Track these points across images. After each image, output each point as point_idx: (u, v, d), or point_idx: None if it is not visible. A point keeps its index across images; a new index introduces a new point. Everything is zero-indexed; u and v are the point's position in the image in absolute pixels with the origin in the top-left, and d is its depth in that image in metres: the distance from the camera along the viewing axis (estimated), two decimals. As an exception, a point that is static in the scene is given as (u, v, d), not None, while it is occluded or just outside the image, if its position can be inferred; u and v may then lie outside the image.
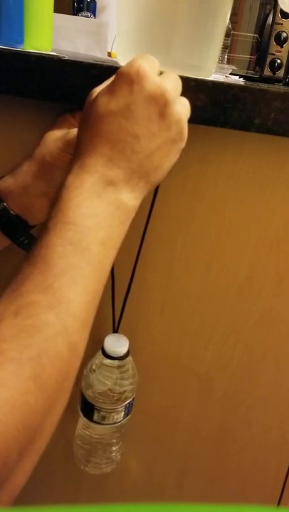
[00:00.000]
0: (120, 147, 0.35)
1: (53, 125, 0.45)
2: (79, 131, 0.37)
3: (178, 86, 0.37)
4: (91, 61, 0.42)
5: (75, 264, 0.32)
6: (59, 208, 0.34)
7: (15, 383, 0.26)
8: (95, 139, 0.35)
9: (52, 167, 0.43)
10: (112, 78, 0.36)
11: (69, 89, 0.41)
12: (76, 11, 0.83)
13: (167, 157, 0.37)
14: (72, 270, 0.32)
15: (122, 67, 0.35)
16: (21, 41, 0.46)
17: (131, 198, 0.36)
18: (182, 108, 0.37)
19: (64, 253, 0.32)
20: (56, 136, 0.43)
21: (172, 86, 0.36)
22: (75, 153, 0.37)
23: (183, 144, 0.38)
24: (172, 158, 0.38)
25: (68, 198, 0.34)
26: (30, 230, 0.46)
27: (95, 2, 0.84)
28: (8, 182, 0.44)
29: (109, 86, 0.35)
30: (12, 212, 0.44)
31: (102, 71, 0.41)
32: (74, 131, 0.42)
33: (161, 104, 0.35)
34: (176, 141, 0.37)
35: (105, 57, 0.59)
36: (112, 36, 0.61)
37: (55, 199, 0.35)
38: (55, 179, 0.43)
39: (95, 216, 0.34)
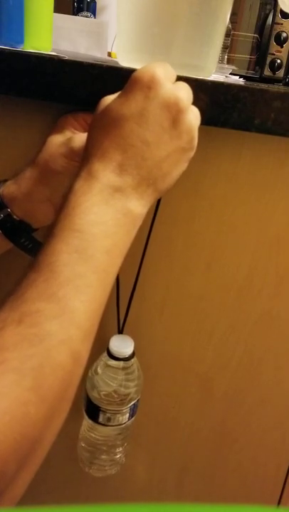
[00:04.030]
0: (130, 153, 0.34)
1: (54, 128, 0.44)
2: (89, 134, 0.37)
3: (190, 95, 0.37)
4: (91, 61, 0.42)
5: (80, 273, 0.31)
6: (66, 214, 0.33)
7: (15, 393, 0.26)
8: (106, 143, 0.35)
9: (55, 173, 0.43)
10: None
11: (69, 89, 0.41)
12: (76, 11, 0.83)
13: (176, 165, 0.37)
14: (77, 279, 0.31)
15: (136, 71, 0.35)
16: (21, 41, 0.46)
17: (138, 206, 0.36)
18: (194, 117, 0.36)
19: (69, 261, 0.31)
20: (59, 142, 0.43)
21: (185, 95, 0.36)
22: (84, 157, 0.36)
23: (192, 153, 0.38)
24: (181, 166, 0.38)
25: (76, 204, 0.33)
26: (33, 233, 0.46)
27: (95, 2, 0.84)
28: (12, 188, 0.44)
29: (122, 90, 0.35)
30: (15, 217, 0.44)
31: (102, 71, 0.41)
32: (77, 137, 0.42)
33: (174, 112, 0.35)
34: (186, 149, 0.37)
35: (105, 57, 0.59)
36: (112, 36, 0.61)
37: (61, 203, 0.34)
38: (59, 185, 0.43)
39: (102, 223, 0.33)
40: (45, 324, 0.29)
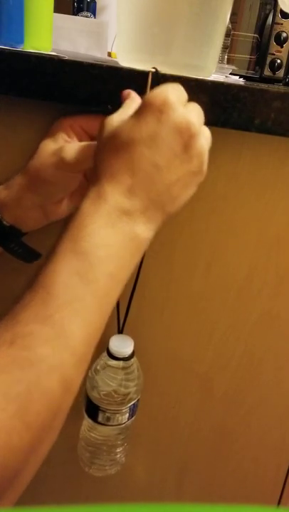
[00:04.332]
0: (140, 177, 0.34)
1: (48, 133, 0.44)
2: (98, 156, 0.36)
3: (201, 117, 0.37)
4: (91, 61, 0.42)
5: (79, 296, 0.31)
6: (71, 235, 0.32)
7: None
8: (116, 165, 0.34)
9: (45, 182, 0.42)
10: (131, 105, 0.36)
11: (69, 89, 0.41)
12: (76, 11, 0.83)
13: (186, 189, 0.37)
14: (75, 302, 0.30)
15: (149, 94, 0.35)
16: (21, 41, 0.46)
17: (145, 230, 0.35)
18: (205, 141, 0.36)
19: (69, 283, 0.30)
20: (50, 150, 0.42)
21: (197, 118, 0.35)
22: (92, 177, 0.36)
23: (202, 177, 0.38)
24: (191, 190, 0.38)
25: (82, 225, 0.33)
26: (23, 237, 0.46)
27: (95, 2, 0.84)
28: (3, 194, 0.43)
29: (134, 113, 0.35)
30: (5, 223, 0.44)
31: (102, 71, 0.41)
32: (69, 147, 0.41)
33: (185, 137, 0.34)
34: (196, 173, 0.37)
35: (105, 57, 0.59)
36: (112, 36, 0.61)
37: (67, 222, 0.34)
38: (50, 193, 0.43)
39: (107, 247, 0.33)
40: (37, 348, 0.28)
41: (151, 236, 0.36)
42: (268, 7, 0.83)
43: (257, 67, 0.86)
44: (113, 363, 0.52)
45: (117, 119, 0.36)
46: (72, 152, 0.40)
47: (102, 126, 0.36)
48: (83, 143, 0.41)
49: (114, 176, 0.34)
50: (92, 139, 0.44)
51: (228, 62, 0.83)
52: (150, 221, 0.35)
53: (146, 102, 0.34)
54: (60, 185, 0.43)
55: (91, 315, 0.31)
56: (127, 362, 0.52)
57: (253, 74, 0.86)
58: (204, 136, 0.36)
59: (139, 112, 0.34)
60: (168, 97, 0.34)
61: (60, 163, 0.41)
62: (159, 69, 0.39)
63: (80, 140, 0.44)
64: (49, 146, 0.43)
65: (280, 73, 0.82)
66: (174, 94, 0.34)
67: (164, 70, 0.39)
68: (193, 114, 0.35)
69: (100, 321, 0.32)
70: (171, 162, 0.34)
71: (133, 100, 0.38)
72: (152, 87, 0.41)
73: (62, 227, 0.34)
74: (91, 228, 0.32)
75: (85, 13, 0.83)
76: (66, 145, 0.42)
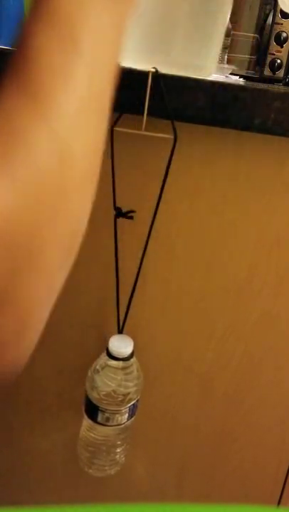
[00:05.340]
0: None
1: None
2: None
3: None
4: (91, 61, 0.42)
5: (66, 63, 0.24)
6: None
7: None
8: None
9: None
10: None
11: (69, 89, 0.41)
12: (76, 11, 0.83)
13: None
14: (62, 67, 0.24)
15: None
16: (21, 41, 0.46)
17: None
18: None
19: (49, 44, 0.25)
20: None
21: None
22: None
23: None
24: None
25: None
26: None
27: (95, 2, 0.84)
28: None
29: None
30: None
31: (102, 71, 0.41)
32: None
33: None
34: None
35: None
36: (112, 36, 0.61)
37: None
38: None
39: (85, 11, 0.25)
40: (18, 121, 0.22)
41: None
42: (268, 7, 0.83)
43: (257, 67, 0.86)
44: (113, 363, 0.52)
45: None
46: None
47: None
48: None
49: None
50: None
51: (228, 62, 0.83)
52: None
53: None
54: None
55: (83, 83, 0.25)
56: (127, 362, 0.52)
57: (253, 74, 0.86)
58: None
59: None
60: None
61: None
62: (159, 69, 0.39)
63: None
64: None
65: (280, 73, 0.83)
66: None
67: (164, 70, 0.39)
68: None
69: (94, 87, 0.26)
70: None
71: None
72: (152, 87, 0.41)
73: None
74: None
75: (85, 13, 0.83)
76: None
